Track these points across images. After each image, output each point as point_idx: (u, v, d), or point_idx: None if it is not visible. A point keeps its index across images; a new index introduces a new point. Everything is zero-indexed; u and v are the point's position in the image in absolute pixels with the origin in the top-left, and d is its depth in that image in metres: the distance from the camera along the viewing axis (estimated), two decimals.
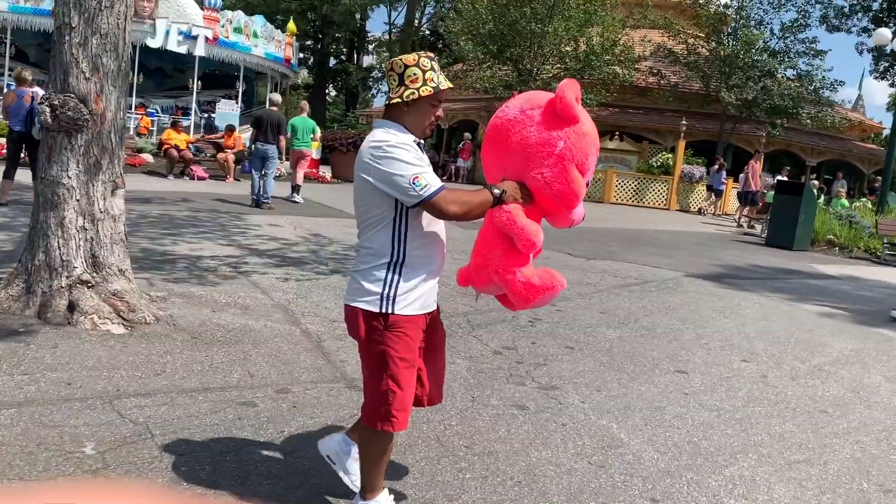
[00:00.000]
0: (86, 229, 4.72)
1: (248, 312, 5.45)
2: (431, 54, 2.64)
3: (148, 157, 16.40)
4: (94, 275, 4.77)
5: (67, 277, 4.66)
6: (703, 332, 6.42)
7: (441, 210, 2.49)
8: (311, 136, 14.07)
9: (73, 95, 4.53)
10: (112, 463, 3.01)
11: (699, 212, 22.55)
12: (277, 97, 12.15)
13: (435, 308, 2.75)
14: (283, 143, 11.88)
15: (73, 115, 4.52)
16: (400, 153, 2.44)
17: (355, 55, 49.46)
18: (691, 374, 5.16)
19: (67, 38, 4.49)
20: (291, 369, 4.36)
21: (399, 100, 2.54)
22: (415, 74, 2.53)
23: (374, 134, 2.56)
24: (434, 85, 2.55)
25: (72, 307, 4.63)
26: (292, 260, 7.66)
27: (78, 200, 4.67)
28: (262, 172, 11.64)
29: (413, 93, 2.53)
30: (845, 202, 21.18)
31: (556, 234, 12.51)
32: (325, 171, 18.78)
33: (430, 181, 2.45)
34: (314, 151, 18.68)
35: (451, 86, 2.67)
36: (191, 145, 15.67)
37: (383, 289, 2.53)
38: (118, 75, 4.75)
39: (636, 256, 10.65)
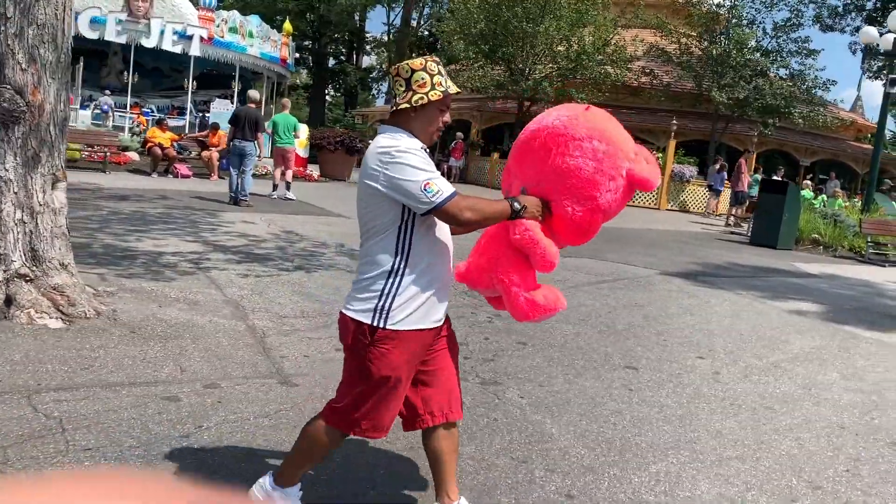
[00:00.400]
0: (24, 223, 4.67)
1: (195, 308, 5.39)
2: (437, 58, 2.57)
3: (133, 156, 16.35)
4: (34, 269, 4.71)
5: (4, 271, 4.60)
6: (665, 329, 6.35)
7: (454, 216, 2.41)
8: (294, 132, 14.03)
9: (8, 87, 4.48)
10: (12, 458, 2.95)
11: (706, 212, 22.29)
12: (255, 94, 12.10)
13: (442, 323, 2.62)
14: (261, 139, 11.83)
15: (9, 106, 4.47)
16: (409, 158, 2.36)
17: (354, 55, 49.43)
18: (641, 371, 5.09)
19: (3, 28, 4.44)
20: (226, 364, 4.30)
21: (407, 105, 2.44)
22: (422, 79, 2.45)
23: (379, 140, 2.47)
24: (443, 89, 2.48)
25: (9, 301, 4.58)
26: (257, 256, 7.61)
27: (16, 193, 4.61)
28: (241, 169, 11.59)
29: (422, 97, 2.44)
30: (842, 202, 21.10)
31: None
32: (314, 170, 18.72)
33: (442, 187, 2.37)
34: (301, 149, 18.66)
35: (459, 90, 2.59)
36: (175, 143, 15.61)
37: (379, 300, 2.44)
38: (58, 67, 4.70)
39: (616, 254, 10.58)
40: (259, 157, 12.22)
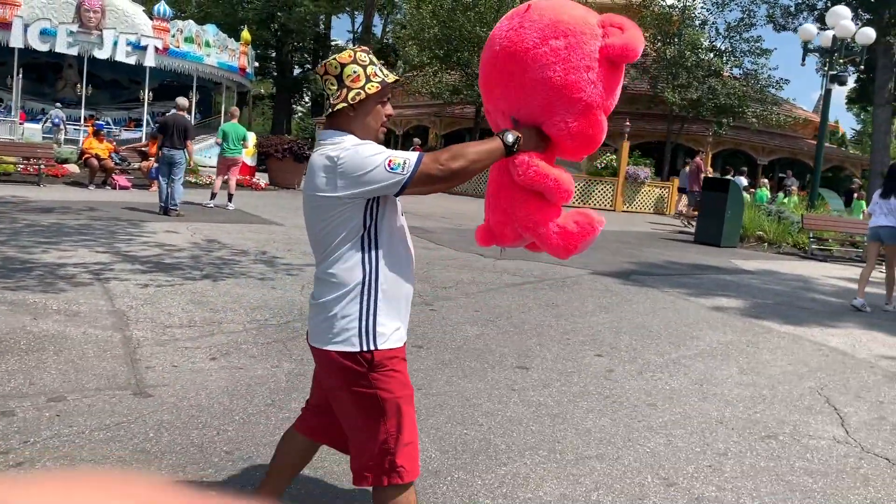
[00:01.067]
0: None
1: (73, 319, 5.20)
2: (366, 48, 2.37)
3: (73, 168, 16.03)
4: None
5: None
6: (573, 328, 6.26)
7: (437, 174, 2.15)
8: (242, 142, 13.84)
9: None
10: None
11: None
12: (184, 101, 11.88)
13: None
14: (191, 147, 11.62)
15: None
16: (360, 150, 2.14)
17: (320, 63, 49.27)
18: (532, 370, 4.98)
19: None
20: (81, 377, 4.11)
21: (344, 104, 2.21)
22: (355, 72, 2.23)
23: (322, 148, 2.22)
24: (380, 80, 2.26)
25: None
26: (165, 266, 7.41)
27: None
28: (170, 178, 11.36)
29: (359, 93, 2.21)
30: (796, 199, 21.27)
31: (471, 238, 12.37)
32: (261, 178, 18.49)
33: (406, 156, 2.15)
34: (248, 158, 18.43)
35: (396, 77, 2.36)
36: (113, 154, 15.31)
37: (360, 322, 2.17)
38: None
39: (550, 257, 10.47)
40: (189, 164, 11.99)
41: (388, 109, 2.32)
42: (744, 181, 22.63)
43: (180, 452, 3.29)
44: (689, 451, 3.78)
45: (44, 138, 20.53)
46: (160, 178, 11.51)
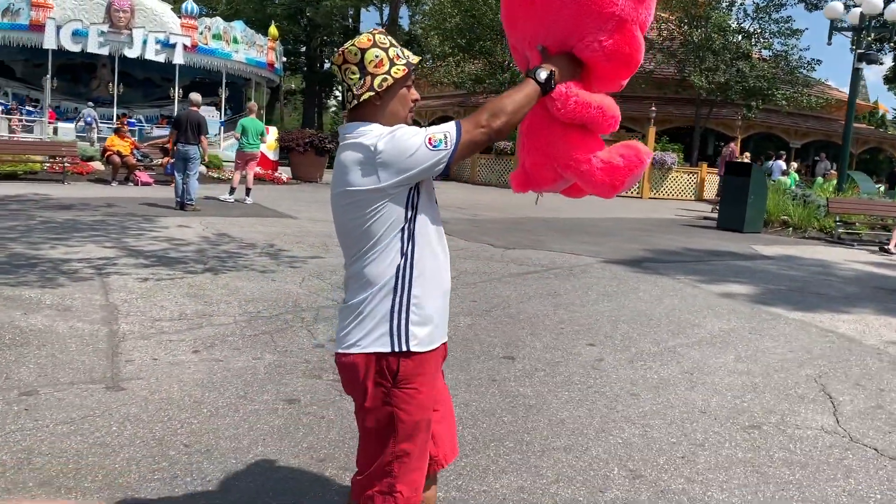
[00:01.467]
0: None
1: (64, 314, 5.25)
2: (382, 29, 2.22)
3: (98, 165, 16.30)
4: None
5: None
6: (570, 317, 6.15)
7: (481, 137, 2.02)
8: (260, 137, 13.94)
9: None
10: None
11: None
12: (197, 97, 11.97)
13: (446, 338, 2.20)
14: (205, 142, 11.70)
15: None
16: (397, 134, 1.98)
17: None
18: (518, 360, 4.90)
19: None
20: (58, 371, 4.14)
21: (371, 92, 2.02)
22: (377, 57, 2.04)
23: (349, 142, 2.03)
24: (404, 62, 2.08)
25: None
26: (169, 260, 7.47)
27: None
28: (185, 173, 11.47)
29: (385, 78, 2.03)
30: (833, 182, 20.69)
31: (487, 228, 12.28)
32: (284, 173, 18.60)
33: (444, 129, 2.01)
34: (270, 152, 18.56)
35: (419, 58, 2.18)
36: (135, 151, 15.52)
37: (391, 321, 2.01)
38: None
39: (562, 245, 10.37)
40: (204, 160, 12.09)
41: (415, 94, 2.15)
42: (783, 165, 22.15)
43: (139, 446, 3.28)
44: (663, 441, 3.68)
45: (77, 137, 20.94)
46: (175, 173, 11.63)
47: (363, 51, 2.05)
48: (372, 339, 2.01)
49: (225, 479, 3.02)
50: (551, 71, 2.14)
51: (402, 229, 2.02)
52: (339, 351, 2.08)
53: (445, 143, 1.97)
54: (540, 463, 3.34)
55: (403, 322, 2.01)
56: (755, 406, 4.27)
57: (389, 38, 2.11)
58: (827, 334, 6.11)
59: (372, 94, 2.03)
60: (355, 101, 2.05)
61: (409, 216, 2.02)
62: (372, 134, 1.99)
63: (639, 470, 3.34)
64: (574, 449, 3.52)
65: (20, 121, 22.37)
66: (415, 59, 2.13)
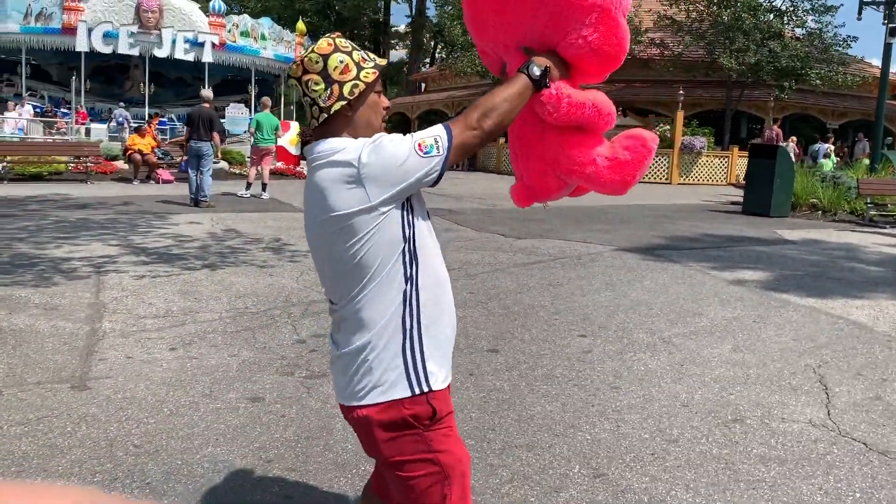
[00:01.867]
0: None
1: (49, 313, 5.26)
2: (339, 33, 1.96)
3: (121, 164, 16.50)
4: None
5: None
6: (567, 307, 5.98)
7: (473, 140, 1.83)
8: (275, 132, 13.99)
9: None
10: None
11: None
12: (208, 93, 12.01)
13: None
14: (217, 139, 11.74)
15: None
16: (381, 142, 1.77)
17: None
18: (502, 353, 4.76)
19: None
20: (27, 370, 4.13)
21: (342, 101, 1.81)
22: (341, 62, 1.83)
23: (323, 161, 1.78)
24: (372, 64, 1.87)
25: None
26: (170, 256, 7.48)
27: None
28: (199, 170, 11.52)
29: (356, 84, 1.82)
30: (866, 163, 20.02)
31: (501, 218, 12.10)
32: (305, 167, 18.61)
33: (434, 134, 1.81)
34: (292, 147, 18.63)
35: (385, 60, 1.99)
36: (156, 149, 15.68)
37: (405, 359, 1.79)
38: None
39: (574, 234, 10.15)
40: (217, 156, 12.14)
41: (385, 101, 1.93)
42: (826, 147, 21.53)
43: (88, 447, 3.24)
44: (634, 437, 3.51)
45: (109, 137, 21.29)
46: (189, 170, 11.69)
47: (325, 57, 1.83)
48: (387, 386, 1.78)
49: (164, 481, 2.95)
50: (546, 66, 1.94)
51: (403, 251, 1.80)
52: (350, 405, 1.83)
53: (437, 147, 1.77)
54: (496, 462, 3.21)
55: (419, 359, 1.80)
56: (741, 399, 4.07)
57: (350, 41, 1.92)
58: (836, 321, 5.84)
59: (343, 102, 1.81)
60: (324, 115, 1.82)
61: (406, 234, 1.80)
62: (350, 147, 1.77)
63: (601, 468, 3.19)
64: (537, 446, 3.38)
65: (66, 123, 22.84)
66: (382, 61, 1.93)
